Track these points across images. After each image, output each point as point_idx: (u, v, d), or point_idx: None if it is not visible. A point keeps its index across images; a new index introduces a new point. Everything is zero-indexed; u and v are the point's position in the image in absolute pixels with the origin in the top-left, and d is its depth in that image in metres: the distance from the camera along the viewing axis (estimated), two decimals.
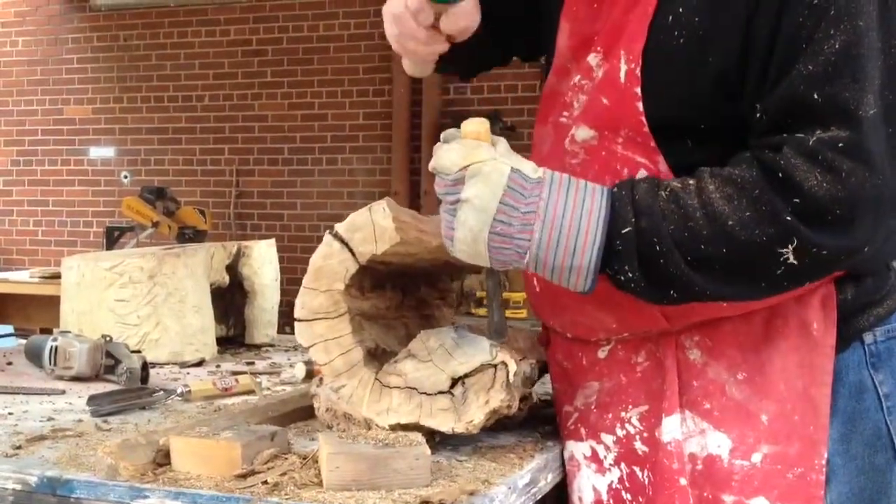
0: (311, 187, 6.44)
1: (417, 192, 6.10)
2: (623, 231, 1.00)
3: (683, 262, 0.98)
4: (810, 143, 0.95)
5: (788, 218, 0.95)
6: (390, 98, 6.14)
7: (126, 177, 6.84)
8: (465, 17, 1.13)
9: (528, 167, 1.03)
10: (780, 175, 0.96)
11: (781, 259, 0.96)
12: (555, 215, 1.00)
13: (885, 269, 1.14)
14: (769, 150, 0.98)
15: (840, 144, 0.94)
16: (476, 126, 1.05)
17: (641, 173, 1.07)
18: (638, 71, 1.05)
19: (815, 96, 0.95)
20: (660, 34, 1.04)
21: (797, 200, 0.95)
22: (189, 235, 5.76)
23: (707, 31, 1.01)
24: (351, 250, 1.18)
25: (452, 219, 1.02)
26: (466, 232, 1.01)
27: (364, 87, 6.28)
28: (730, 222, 0.97)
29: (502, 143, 1.06)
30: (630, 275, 1.00)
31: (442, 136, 1.07)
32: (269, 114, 6.51)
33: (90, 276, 1.80)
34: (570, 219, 1.00)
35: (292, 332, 1.22)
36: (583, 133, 1.13)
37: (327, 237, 1.20)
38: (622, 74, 1.07)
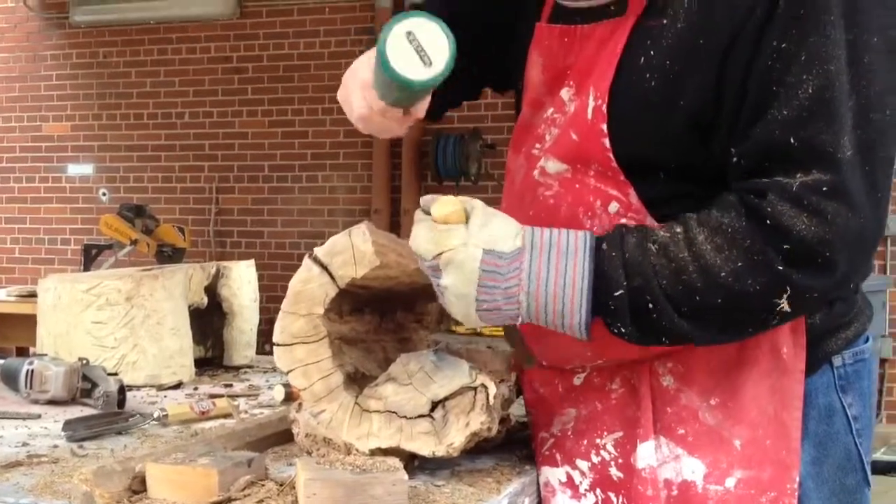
0: (291, 205, 6.43)
1: (398, 210, 6.10)
2: (615, 294, 1.01)
3: (677, 315, 1.00)
4: (794, 188, 0.96)
5: (781, 267, 0.97)
6: None
7: (104, 194, 6.80)
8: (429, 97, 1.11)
9: (503, 242, 1.01)
10: (769, 222, 0.97)
11: (777, 308, 0.99)
12: (538, 285, 1.01)
13: (853, 292, 1.15)
14: (754, 196, 0.99)
15: (823, 188, 0.95)
16: (446, 209, 1.03)
17: (614, 206, 1.08)
18: (604, 108, 1.06)
19: (792, 140, 0.96)
20: (631, 74, 1.05)
21: (787, 246, 0.97)
22: (168, 253, 5.73)
23: (678, 75, 1.02)
24: (330, 274, 1.17)
25: (443, 297, 1.05)
26: (456, 310, 1.05)
27: None
28: (722, 273, 0.98)
29: (477, 212, 1.03)
30: (623, 329, 1.03)
31: (421, 203, 1.07)
32: (250, 131, 6.50)
33: (67, 298, 1.78)
34: (554, 286, 1.01)
35: (271, 351, 1.22)
36: (554, 166, 1.14)
37: (307, 261, 1.19)
38: (590, 111, 1.08)
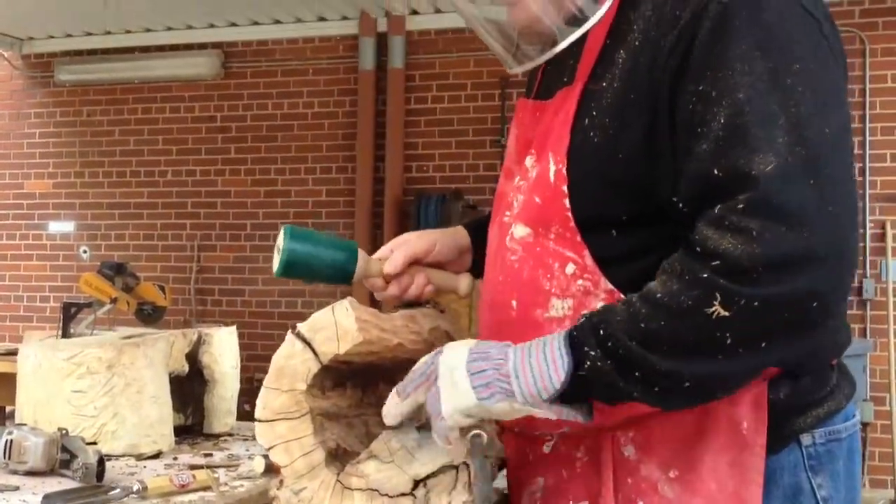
0: (272, 263, 6.41)
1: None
2: (579, 323, 1.04)
3: (634, 343, 0.99)
4: (715, 212, 0.98)
5: (706, 275, 0.96)
6: (353, 175, 6.20)
7: (85, 252, 6.78)
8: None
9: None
10: (698, 249, 0.98)
11: (713, 316, 0.96)
12: (522, 358, 1.05)
13: (827, 368, 1.14)
14: (691, 234, 1.02)
15: (740, 206, 0.95)
16: None
17: (570, 267, 1.11)
18: (564, 170, 1.11)
19: (715, 171, 0.98)
20: (580, 135, 1.11)
21: (716, 262, 0.96)
22: (148, 311, 5.69)
23: (616, 130, 1.07)
24: (313, 350, 1.18)
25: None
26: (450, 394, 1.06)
27: (327, 164, 6.33)
28: (658, 295, 1.00)
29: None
30: (595, 356, 1.01)
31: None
32: (233, 189, 6.53)
33: (47, 366, 1.78)
34: (536, 353, 1.04)
35: (252, 414, 1.22)
36: (520, 231, 1.17)
37: (290, 336, 1.21)
38: (552, 174, 1.13)
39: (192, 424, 2.02)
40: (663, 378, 1.00)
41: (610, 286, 1.09)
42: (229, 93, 6.54)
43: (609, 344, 1.00)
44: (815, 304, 0.95)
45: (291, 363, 1.18)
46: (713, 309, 0.96)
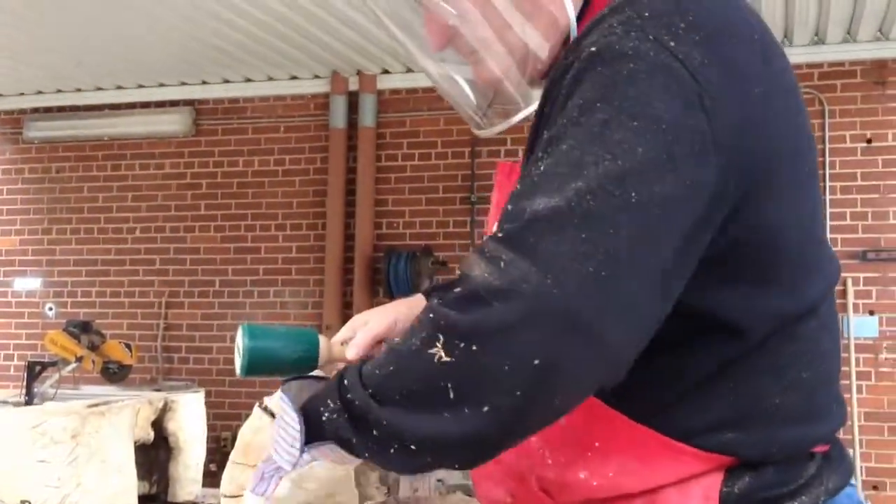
0: (241, 320, 6.38)
1: None
2: (331, 375, 1.00)
3: (369, 398, 0.91)
4: (484, 239, 0.92)
5: (433, 313, 0.87)
6: (324, 232, 6.21)
7: (51, 309, 6.70)
8: None
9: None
10: (457, 272, 0.94)
11: (436, 360, 0.85)
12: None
13: (801, 457, 1.01)
14: None
15: (500, 234, 0.88)
16: None
17: None
18: None
19: (508, 206, 0.90)
20: None
21: (457, 290, 0.87)
22: (114, 370, 5.63)
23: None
24: None
25: None
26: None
27: (297, 220, 6.35)
28: (396, 340, 0.93)
29: None
30: (332, 407, 0.95)
31: None
32: (202, 246, 6.51)
33: (11, 435, 1.76)
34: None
35: (218, 472, 1.21)
36: None
37: (257, 410, 1.21)
38: None
39: (156, 493, 1.99)
40: (389, 435, 0.90)
41: None
42: (200, 149, 6.56)
43: (348, 396, 0.93)
44: (535, 363, 0.83)
45: (258, 438, 1.18)
46: (435, 351, 0.85)
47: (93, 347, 5.52)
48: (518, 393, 0.83)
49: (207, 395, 6.16)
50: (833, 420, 1.04)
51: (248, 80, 6.41)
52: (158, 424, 1.95)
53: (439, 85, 1.21)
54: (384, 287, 5.89)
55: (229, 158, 6.50)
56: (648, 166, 0.85)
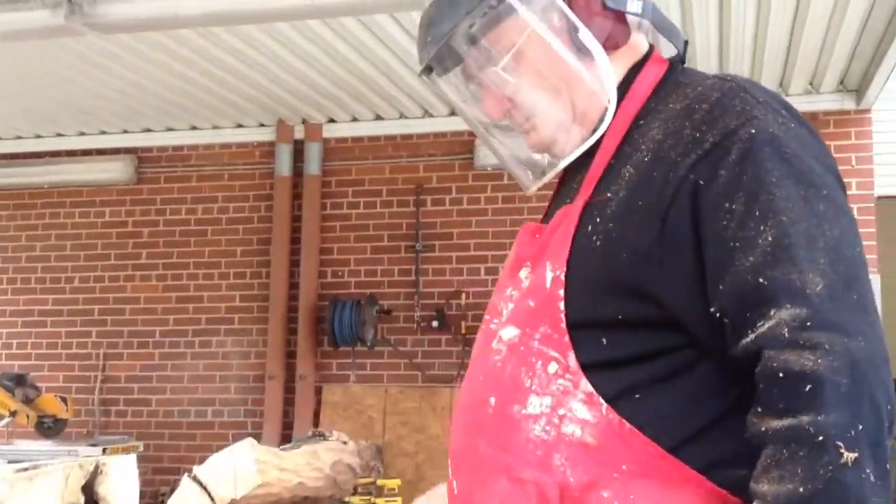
0: (182, 371, 6.28)
1: (293, 376, 6.02)
2: None
3: None
4: (786, 335, 1.00)
5: (821, 435, 0.96)
6: (268, 280, 6.15)
7: None
8: None
9: None
10: (780, 376, 0.99)
11: (848, 464, 0.95)
12: None
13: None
14: (756, 371, 1.02)
15: (808, 323, 0.99)
16: None
17: (553, 366, 1.12)
18: (563, 276, 1.14)
19: (762, 280, 1.02)
20: (582, 241, 1.15)
21: (808, 388, 0.97)
22: (48, 424, 5.48)
23: (620, 234, 1.12)
24: (210, 495, 1.16)
25: None
26: None
27: (241, 269, 6.28)
28: (800, 490, 0.96)
29: None
30: None
31: None
32: (142, 296, 6.40)
33: None
34: None
35: None
36: (507, 333, 1.19)
37: (186, 480, 1.18)
38: (548, 280, 1.16)
39: None
40: None
41: (590, 388, 1.10)
42: (142, 198, 6.48)
43: None
44: (888, 407, 0.99)
45: None
46: (844, 457, 0.95)
47: (27, 401, 5.37)
48: (884, 433, 0.99)
49: (146, 448, 6.02)
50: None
51: (193, 127, 6.37)
52: (89, 488, 1.89)
53: (495, 151, 1.36)
54: (329, 336, 5.85)
55: (172, 206, 6.43)
56: (846, 223, 1.07)
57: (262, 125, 6.29)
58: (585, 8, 1.23)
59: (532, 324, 1.16)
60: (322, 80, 5.40)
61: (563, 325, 1.13)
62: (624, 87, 1.23)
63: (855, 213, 1.23)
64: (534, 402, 1.12)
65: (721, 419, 1.09)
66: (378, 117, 6.13)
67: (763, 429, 1.00)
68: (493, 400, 1.16)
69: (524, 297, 1.19)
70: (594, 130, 1.22)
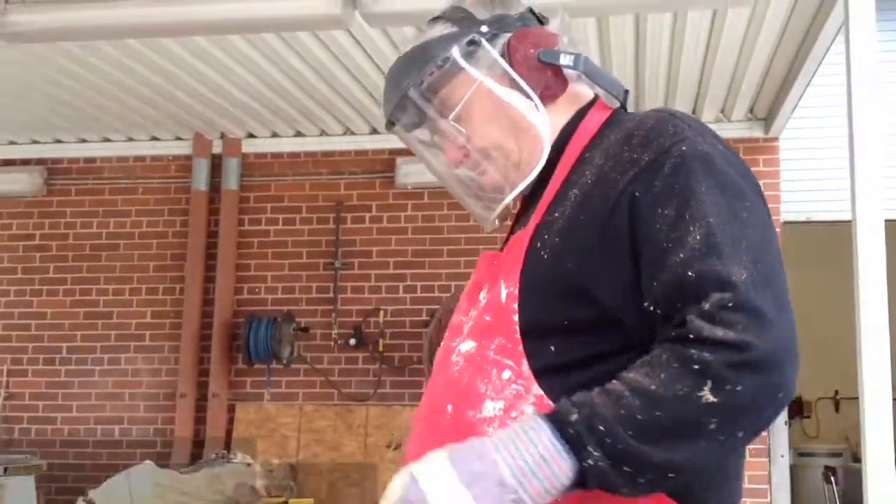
0: (89, 388, 6.11)
1: (205, 395, 5.90)
2: (572, 419, 1.09)
3: (632, 440, 1.07)
4: (706, 307, 1.09)
5: (697, 364, 1.06)
6: (181, 297, 6.03)
7: None
8: None
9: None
10: (691, 336, 1.08)
11: (703, 401, 1.05)
12: (506, 440, 1.11)
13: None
14: (674, 330, 1.11)
15: (729, 304, 1.08)
16: None
17: (506, 373, 1.21)
18: (516, 291, 1.24)
19: (690, 273, 1.11)
20: (533, 257, 1.25)
21: (708, 350, 1.07)
22: None
23: (566, 245, 1.22)
24: None
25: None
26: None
27: (154, 284, 6.15)
28: (652, 387, 1.08)
29: None
30: (596, 457, 1.08)
31: None
32: (49, 311, 6.20)
33: None
34: (517, 432, 1.11)
35: None
36: (466, 346, 1.28)
37: (80, 502, 1.14)
38: (503, 296, 1.26)
39: None
40: (652, 469, 1.08)
41: (540, 392, 1.19)
42: (51, 210, 6.30)
43: (608, 440, 1.07)
44: (780, 395, 1.08)
45: None
46: (703, 394, 1.06)
47: None
48: (764, 419, 1.09)
49: (50, 468, 5.83)
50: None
51: (106, 139, 6.23)
52: None
53: (455, 192, 1.49)
54: (244, 353, 5.75)
55: (83, 219, 6.27)
56: (766, 232, 1.18)
57: (178, 138, 6.19)
58: (523, 63, 1.35)
59: (488, 336, 1.25)
60: (241, 95, 5.34)
61: (518, 335, 1.22)
62: (571, 129, 1.36)
63: None
64: (488, 407, 1.21)
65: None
66: (299, 133, 6.09)
67: (661, 338, 1.13)
68: (450, 407, 1.25)
69: (482, 314, 1.29)
70: (535, 170, 1.34)
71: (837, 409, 8.12)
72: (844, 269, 3.47)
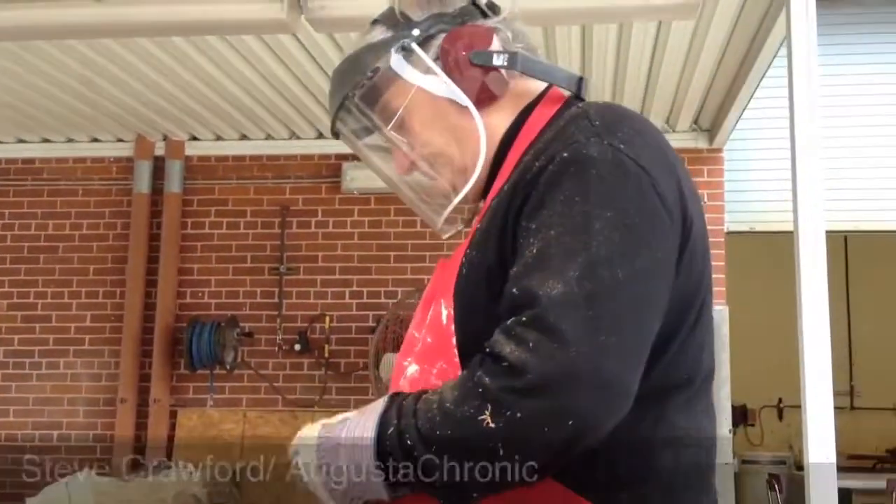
0: (27, 393, 5.97)
1: (146, 400, 5.80)
2: (389, 432, 1.13)
3: (427, 451, 1.08)
4: (507, 323, 1.08)
5: (480, 388, 1.06)
6: (122, 301, 5.93)
7: None
8: None
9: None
10: (487, 350, 1.08)
11: (484, 425, 1.04)
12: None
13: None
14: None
15: (524, 319, 1.06)
16: None
17: None
18: (452, 311, 1.23)
19: (515, 290, 1.10)
20: (459, 274, 1.24)
21: (494, 367, 1.06)
22: None
23: (479, 262, 1.21)
24: None
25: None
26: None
27: (94, 288, 6.03)
28: (447, 404, 1.09)
29: None
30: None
31: None
32: None
33: None
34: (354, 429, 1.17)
35: None
36: (411, 370, 1.28)
37: None
38: (444, 317, 1.24)
39: None
40: (454, 486, 1.08)
41: None
42: None
43: (414, 454, 1.09)
44: (570, 423, 1.02)
45: None
46: (484, 418, 1.04)
47: None
48: (556, 448, 1.05)
49: None
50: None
51: (46, 140, 6.10)
52: None
53: (404, 197, 1.47)
54: (186, 358, 5.67)
55: (21, 221, 6.12)
56: (626, 247, 1.09)
57: (120, 140, 6.08)
58: (455, 67, 1.31)
59: (430, 360, 1.25)
60: (185, 97, 5.26)
61: (456, 359, 1.20)
62: (515, 130, 1.31)
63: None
64: None
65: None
66: (244, 137, 6.03)
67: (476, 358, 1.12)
68: None
69: (426, 335, 1.29)
70: (474, 176, 1.33)
71: (781, 417, 8.24)
72: (787, 279, 3.51)
